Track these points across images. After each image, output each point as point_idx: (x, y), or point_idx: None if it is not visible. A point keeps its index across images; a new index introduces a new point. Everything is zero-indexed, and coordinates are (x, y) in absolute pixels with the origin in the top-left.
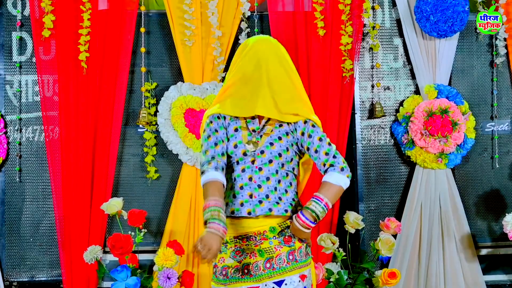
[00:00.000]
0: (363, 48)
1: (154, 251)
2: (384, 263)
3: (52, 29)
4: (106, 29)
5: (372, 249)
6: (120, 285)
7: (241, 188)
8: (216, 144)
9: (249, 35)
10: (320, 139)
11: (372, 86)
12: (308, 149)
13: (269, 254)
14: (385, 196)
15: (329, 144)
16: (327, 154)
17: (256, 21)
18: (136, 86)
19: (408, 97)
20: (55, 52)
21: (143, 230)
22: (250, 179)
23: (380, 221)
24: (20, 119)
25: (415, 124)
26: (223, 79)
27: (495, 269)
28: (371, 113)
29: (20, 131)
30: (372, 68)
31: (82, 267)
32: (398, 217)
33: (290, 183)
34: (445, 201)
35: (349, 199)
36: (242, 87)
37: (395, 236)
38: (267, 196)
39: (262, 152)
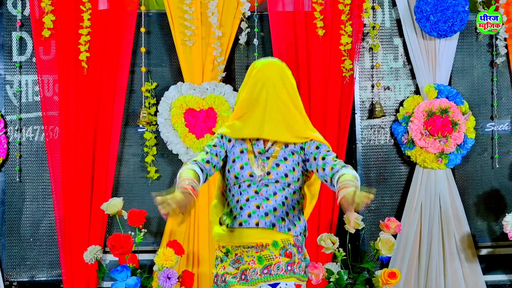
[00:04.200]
0: (363, 48)
1: (154, 251)
2: (384, 263)
3: (52, 29)
4: (106, 29)
5: (372, 249)
6: (120, 285)
7: (248, 200)
8: (206, 153)
9: (249, 35)
10: (328, 151)
11: (372, 86)
12: (315, 158)
13: (268, 261)
14: (385, 196)
15: (336, 157)
16: (335, 160)
17: (256, 21)
18: (136, 86)
19: (408, 97)
20: (55, 52)
21: (143, 230)
22: (257, 192)
23: (380, 221)
24: (20, 119)
25: (415, 124)
26: (223, 79)
27: (495, 269)
28: (371, 113)
29: (20, 131)
30: (372, 68)
31: (82, 267)
32: (398, 217)
33: (298, 202)
34: (445, 201)
35: None
36: (249, 109)
37: (395, 236)
38: (274, 209)
39: (268, 173)
